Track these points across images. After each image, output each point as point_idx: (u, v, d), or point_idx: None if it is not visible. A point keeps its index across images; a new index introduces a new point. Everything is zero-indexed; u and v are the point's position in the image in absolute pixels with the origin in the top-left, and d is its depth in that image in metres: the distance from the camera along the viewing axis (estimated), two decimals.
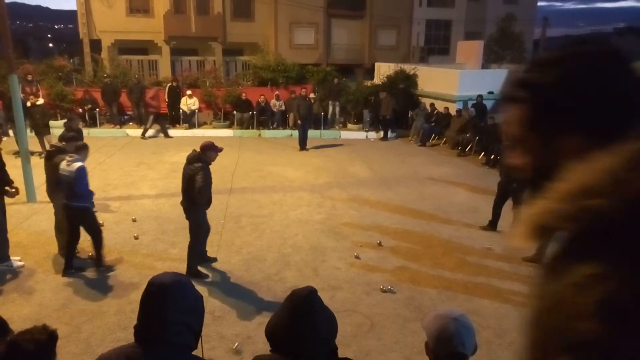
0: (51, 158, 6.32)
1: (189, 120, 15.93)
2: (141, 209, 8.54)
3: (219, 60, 22.66)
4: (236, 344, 4.66)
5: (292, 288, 2.02)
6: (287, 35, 24.52)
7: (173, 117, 16.03)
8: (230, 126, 16.25)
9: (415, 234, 7.75)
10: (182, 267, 6.00)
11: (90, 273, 6.14)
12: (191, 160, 5.83)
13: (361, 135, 16.33)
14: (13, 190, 6.10)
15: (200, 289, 4.49)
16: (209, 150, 5.85)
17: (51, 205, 6.60)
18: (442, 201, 9.44)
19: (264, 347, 1.92)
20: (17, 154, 9.94)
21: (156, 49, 22.88)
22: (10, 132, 12.30)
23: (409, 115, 16.53)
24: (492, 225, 7.95)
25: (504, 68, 18.07)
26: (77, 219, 6.01)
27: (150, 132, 15.05)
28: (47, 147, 9.96)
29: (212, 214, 6.43)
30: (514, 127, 0.88)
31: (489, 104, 14.91)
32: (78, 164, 5.77)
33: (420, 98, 17.01)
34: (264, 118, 16.20)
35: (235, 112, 16.09)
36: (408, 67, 17.95)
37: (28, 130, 10.02)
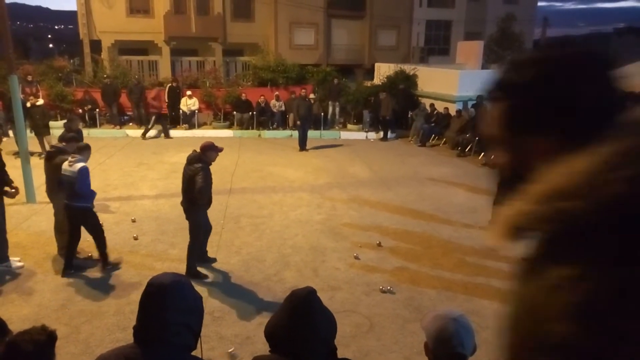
0: (51, 159, 6.33)
1: (189, 121, 15.94)
2: (141, 209, 8.54)
3: (219, 61, 22.67)
4: (231, 348, 4.63)
5: (291, 288, 2.02)
6: (287, 36, 24.52)
7: (173, 118, 16.04)
8: (230, 127, 16.25)
9: (414, 234, 7.75)
10: (181, 268, 5.99)
11: (89, 273, 6.14)
12: (191, 160, 5.83)
13: (361, 135, 16.33)
14: (13, 190, 6.11)
15: (200, 289, 4.50)
16: (209, 151, 5.85)
17: (51, 205, 6.61)
18: (441, 201, 9.44)
19: (264, 348, 1.92)
20: (16, 154, 9.94)
21: (156, 49, 22.88)
22: (10, 132, 12.30)
23: (409, 116, 16.53)
24: None
25: None
26: (78, 219, 6.02)
27: (152, 132, 15.06)
28: (47, 147, 9.97)
29: (212, 214, 6.43)
30: (493, 127, 0.89)
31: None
32: (80, 165, 5.79)
33: (420, 98, 17.01)
34: (264, 118, 16.20)
35: (235, 112, 16.10)
36: (408, 68, 17.95)
37: (28, 130, 10.02)
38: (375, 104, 16.19)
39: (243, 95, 16.11)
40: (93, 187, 6.06)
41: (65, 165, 5.86)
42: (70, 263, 6.08)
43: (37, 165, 8.67)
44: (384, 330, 5.07)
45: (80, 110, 15.04)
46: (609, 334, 0.69)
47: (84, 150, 6.02)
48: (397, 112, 16.09)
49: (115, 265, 6.32)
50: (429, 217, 8.54)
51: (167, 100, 15.69)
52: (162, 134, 15.17)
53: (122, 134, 15.31)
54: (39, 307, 5.34)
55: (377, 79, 18.75)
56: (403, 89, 16.75)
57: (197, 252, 6.19)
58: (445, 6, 28.14)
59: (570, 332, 0.71)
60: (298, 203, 9.11)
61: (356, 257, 6.75)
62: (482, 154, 13.18)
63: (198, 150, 5.88)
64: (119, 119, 15.79)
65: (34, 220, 7.85)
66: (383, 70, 18.67)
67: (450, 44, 27.84)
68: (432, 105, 15.95)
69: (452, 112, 15.21)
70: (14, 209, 7.70)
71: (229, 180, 10.40)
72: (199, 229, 6.08)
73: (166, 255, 6.74)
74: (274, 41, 23.95)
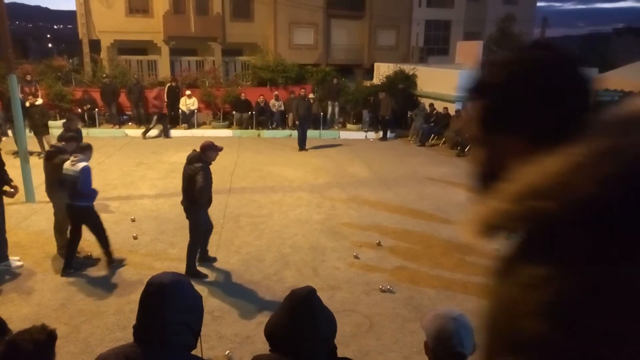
0: (51, 158, 6.33)
1: (188, 121, 15.93)
2: (140, 209, 8.54)
3: (218, 61, 22.66)
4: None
5: (291, 288, 2.02)
6: (286, 36, 24.52)
7: (172, 117, 16.04)
8: (229, 126, 16.25)
9: (414, 233, 7.75)
10: (181, 267, 5.99)
11: (89, 273, 6.14)
12: (191, 160, 5.83)
13: (360, 135, 16.34)
14: (12, 190, 6.11)
15: (200, 288, 4.49)
16: (209, 150, 5.86)
17: (50, 205, 6.60)
18: (441, 201, 9.44)
19: (263, 347, 1.92)
20: (16, 154, 9.92)
21: (155, 49, 22.87)
22: (9, 132, 12.30)
23: (408, 116, 16.53)
24: None
25: None
26: (80, 218, 6.03)
27: (154, 132, 15.06)
28: (47, 147, 9.95)
29: (211, 214, 6.43)
30: (471, 126, 0.91)
31: None
32: (83, 164, 5.81)
33: (419, 98, 17.02)
34: (263, 118, 16.20)
35: (234, 112, 16.10)
36: (407, 68, 17.96)
37: (27, 130, 10.02)
38: (374, 103, 16.19)
39: (242, 95, 16.11)
40: (93, 186, 6.06)
41: (67, 164, 5.88)
42: (70, 262, 6.08)
43: (36, 165, 8.67)
44: (384, 330, 5.07)
45: (79, 110, 15.03)
46: (581, 332, 0.70)
47: (86, 150, 6.04)
48: (397, 112, 16.10)
49: (120, 263, 6.35)
50: (429, 217, 8.54)
51: (166, 100, 15.69)
52: (162, 134, 15.17)
53: (121, 133, 15.31)
54: (38, 306, 5.34)
55: (377, 79, 18.75)
56: (402, 89, 16.76)
57: (197, 251, 6.19)
58: (444, 6, 28.14)
59: (542, 330, 0.72)
60: (297, 203, 9.11)
61: (356, 257, 6.75)
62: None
63: (198, 149, 5.88)
64: (118, 119, 15.78)
65: (33, 219, 7.84)
66: (382, 70, 18.67)
67: (449, 44, 27.84)
68: (431, 105, 15.95)
69: (452, 112, 15.21)
70: (13, 209, 7.70)
71: (229, 180, 10.39)
72: (199, 229, 6.08)
73: (166, 254, 6.74)
74: (273, 41, 23.95)
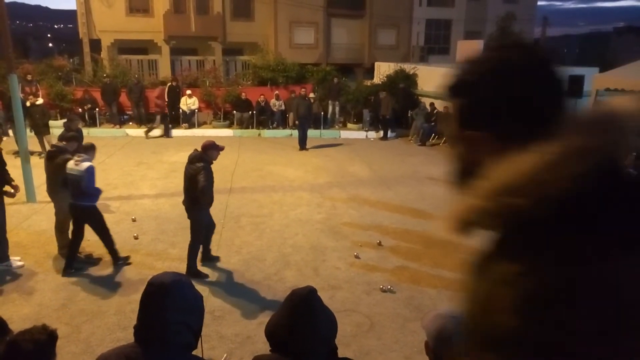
0: (52, 158, 6.33)
1: (189, 120, 15.93)
2: (141, 208, 8.54)
3: (218, 60, 22.66)
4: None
5: (292, 288, 2.02)
6: (286, 35, 24.52)
7: (173, 117, 16.04)
8: (230, 126, 16.25)
9: (415, 233, 7.75)
10: (182, 267, 6.00)
11: (90, 273, 6.14)
12: (193, 159, 5.83)
13: (361, 134, 16.33)
14: (13, 190, 6.11)
15: (200, 288, 4.49)
16: (210, 150, 5.86)
17: (51, 205, 6.60)
18: (441, 200, 9.43)
19: (264, 347, 1.92)
20: (16, 153, 9.93)
21: (156, 48, 22.87)
22: (10, 132, 12.30)
23: (409, 115, 16.52)
24: None
25: None
26: (84, 218, 6.04)
27: (157, 132, 15.05)
28: (47, 147, 9.96)
29: (212, 213, 6.42)
30: (448, 123, 0.93)
31: None
32: (87, 164, 5.82)
33: (420, 97, 17.01)
34: (264, 118, 16.20)
35: (235, 111, 16.10)
36: (408, 67, 17.95)
37: (28, 130, 10.02)
38: (375, 103, 16.18)
39: (243, 94, 16.11)
40: (96, 186, 6.07)
41: (70, 164, 5.89)
42: (72, 262, 6.08)
43: (37, 165, 8.68)
44: (385, 330, 5.07)
45: (80, 110, 15.04)
46: (551, 327, 0.71)
47: (90, 150, 6.07)
48: (397, 112, 16.09)
49: (126, 260, 6.36)
50: (429, 216, 8.53)
51: (167, 100, 15.70)
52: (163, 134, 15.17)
53: (121, 133, 15.31)
54: (39, 306, 5.34)
55: (377, 78, 18.74)
56: (403, 88, 16.74)
57: (198, 251, 6.19)
58: (445, 5, 28.12)
59: (515, 326, 0.73)
60: (298, 202, 9.11)
61: (356, 257, 6.75)
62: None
63: (199, 149, 5.89)
64: (119, 118, 15.79)
65: (34, 219, 7.85)
66: (383, 70, 18.66)
67: (450, 43, 27.83)
68: (432, 104, 15.94)
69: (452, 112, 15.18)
70: (14, 208, 7.70)
71: (229, 180, 10.39)
72: (200, 228, 6.08)
73: (166, 254, 6.74)
74: (273, 40, 23.95)
